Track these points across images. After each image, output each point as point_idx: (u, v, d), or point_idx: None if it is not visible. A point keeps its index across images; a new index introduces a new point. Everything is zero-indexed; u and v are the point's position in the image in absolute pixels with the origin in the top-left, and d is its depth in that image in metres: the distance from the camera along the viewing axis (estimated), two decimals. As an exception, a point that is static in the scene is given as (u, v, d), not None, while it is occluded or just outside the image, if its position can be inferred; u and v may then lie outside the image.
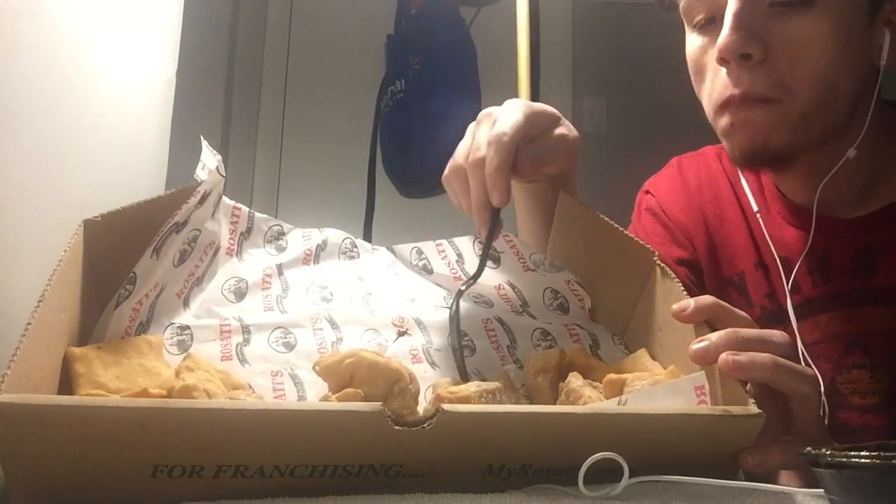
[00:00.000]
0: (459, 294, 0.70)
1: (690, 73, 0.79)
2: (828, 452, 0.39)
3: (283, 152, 2.17)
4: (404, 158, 2.04)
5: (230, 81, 2.07)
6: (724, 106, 0.73)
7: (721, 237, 0.87)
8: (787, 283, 0.78)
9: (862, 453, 0.37)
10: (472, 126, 0.73)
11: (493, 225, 0.69)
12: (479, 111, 0.74)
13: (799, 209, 0.81)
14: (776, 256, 0.80)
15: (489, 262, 0.74)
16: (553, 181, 0.78)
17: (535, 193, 0.82)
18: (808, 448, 0.41)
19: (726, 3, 0.71)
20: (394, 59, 2.10)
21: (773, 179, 0.84)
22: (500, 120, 0.68)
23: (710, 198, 0.90)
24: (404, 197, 2.11)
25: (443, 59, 2.02)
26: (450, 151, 0.73)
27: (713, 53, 0.72)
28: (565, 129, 0.73)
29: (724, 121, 0.74)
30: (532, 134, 0.69)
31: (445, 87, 1.99)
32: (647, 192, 0.97)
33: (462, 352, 0.65)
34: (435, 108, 1.98)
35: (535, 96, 1.61)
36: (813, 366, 0.71)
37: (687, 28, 0.79)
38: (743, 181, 0.87)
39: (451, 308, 0.69)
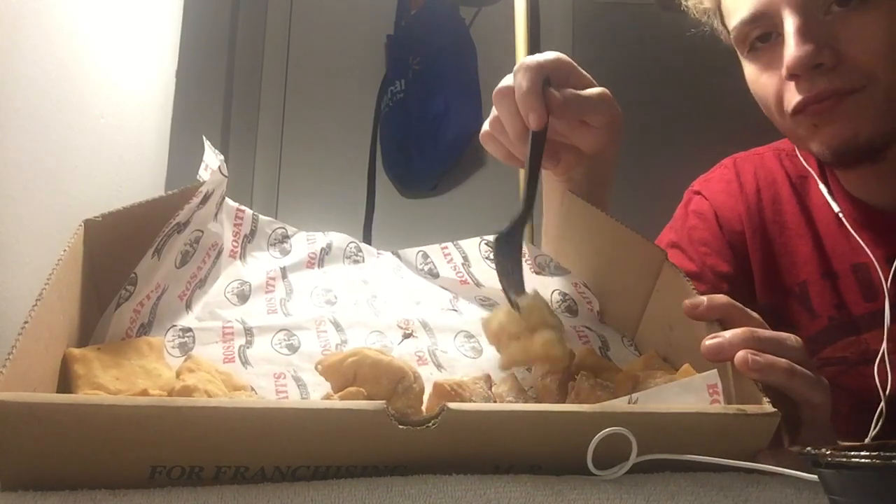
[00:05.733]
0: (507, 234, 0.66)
1: (755, 95, 0.77)
2: (828, 452, 0.38)
3: (283, 152, 2.16)
4: (404, 158, 2.04)
5: (230, 81, 2.06)
6: (800, 109, 0.71)
7: (780, 245, 0.84)
8: (887, 283, 0.74)
9: (862, 453, 0.37)
10: None
11: (537, 149, 0.66)
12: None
13: (878, 212, 0.78)
14: (851, 264, 0.77)
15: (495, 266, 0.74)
16: (589, 173, 0.76)
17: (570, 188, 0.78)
18: (808, 448, 0.40)
19: (782, 20, 0.70)
20: (394, 59, 2.09)
21: (846, 185, 0.81)
22: (522, 59, 0.68)
23: (768, 202, 0.86)
24: (404, 197, 2.10)
25: (443, 60, 2.02)
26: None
27: (777, 70, 0.71)
28: (610, 99, 0.70)
29: (804, 123, 0.73)
30: (566, 73, 0.68)
31: (445, 87, 1.99)
32: (698, 192, 0.92)
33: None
34: (435, 109, 1.98)
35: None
36: (889, 372, 0.69)
37: (741, 55, 0.77)
38: (821, 185, 0.83)
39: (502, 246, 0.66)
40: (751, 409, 0.49)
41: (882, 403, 0.67)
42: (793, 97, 0.71)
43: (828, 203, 0.82)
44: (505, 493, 0.44)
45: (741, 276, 0.85)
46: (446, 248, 0.77)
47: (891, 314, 0.73)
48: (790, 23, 0.69)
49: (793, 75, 0.70)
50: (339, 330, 0.67)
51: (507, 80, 0.68)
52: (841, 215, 0.80)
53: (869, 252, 0.77)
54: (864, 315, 0.78)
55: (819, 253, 0.82)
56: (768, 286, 0.84)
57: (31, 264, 0.67)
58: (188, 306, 0.67)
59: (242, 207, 0.76)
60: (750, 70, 0.77)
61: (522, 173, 1.27)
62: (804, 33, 0.68)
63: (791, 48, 0.69)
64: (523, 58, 0.67)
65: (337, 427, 0.45)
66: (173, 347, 0.62)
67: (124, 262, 0.59)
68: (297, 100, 2.17)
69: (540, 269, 0.73)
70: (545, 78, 0.66)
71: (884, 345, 0.71)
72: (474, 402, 0.52)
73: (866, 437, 0.65)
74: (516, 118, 0.66)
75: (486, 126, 0.72)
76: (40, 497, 0.42)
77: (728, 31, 0.79)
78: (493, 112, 0.70)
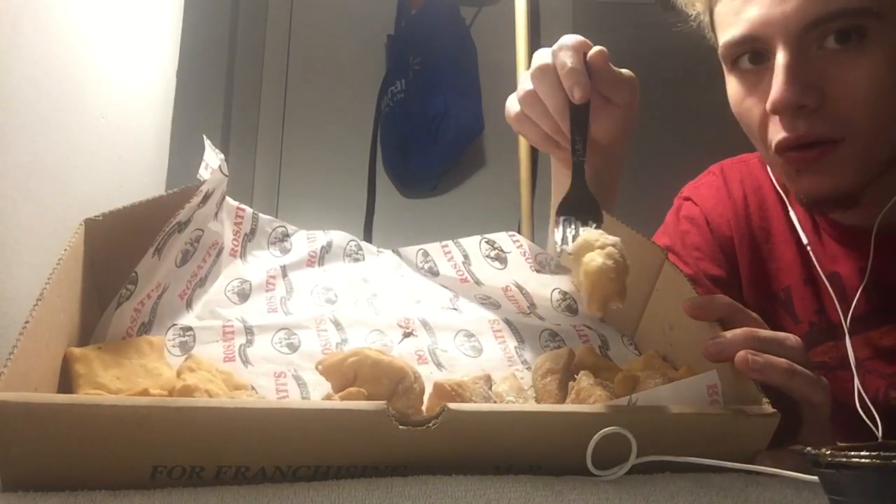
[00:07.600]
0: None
1: (737, 115, 0.76)
2: (828, 452, 0.38)
3: (283, 152, 2.16)
4: (404, 158, 2.04)
5: (230, 81, 2.06)
6: (784, 149, 0.70)
7: (767, 251, 0.85)
8: (855, 296, 0.75)
9: (862, 453, 0.37)
10: (523, 73, 0.72)
11: (582, 118, 0.68)
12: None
13: (850, 229, 0.79)
14: (827, 272, 0.78)
15: (496, 264, 0.74)
16: (599, 171, 0.75)
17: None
18: (808, 448, 0.40)
19: (774, 44, 0.68)
20: (394, 59, 2.09)
21: None
22: (560, 40, 0.68)
23: (755, 209, 0.87)
24: (404, 197, 2.10)
25: (443, 60, 2.02)
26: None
27: (760, 96, 0.71)
28: (634, 77, 0.73)
29: (786, 165, 0.72)
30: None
31: (445, 87, 1.99)
32: (688, 198, 0.92)
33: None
34: (435, 109, 1.98)
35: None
36: (858, 380, 0.70)
37: (726, 69, 0.76)
38: (791, 212, 0.83)
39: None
40: (750, 409, 0.49)
41: (873, 409, 0.68)
42: (776, 133, 0.71)
43: (810, 216, 0.83)
44: (505, 493, 0.44)
45: (732, 280, 0.86)
46: (446, 246, 0.77)
47: (862, 323, 0.75)
48: (781, 57, 0.68)
49: (776, 112, 0.69)
50: (340, 329, 0.67)
51: (544, 59, 0.69)
52: (804, 239, 0.81)
53: (843, 262, 0.78)
54: (841, 321, 0.78)
55: (802, 259, 0.82)
56: (755, 291, 0.85)
57: (31, 264, 0.67)
58: (189, 305, 0.67)
59: (243, 206, 0.76)
60: (734, 87, 0.76)
61: (522, 173, 1.27)
62: (793, 71, 0.67)
63: (778, 85, 0.67)
64: (559, 41, 0.68)
65: (337, 427, 0.45)
66: (174, 346, 0.62)
67: (124, 262, 0.59)
68: (297, 100, 2.17)
69: (540, 268, 0.73)
70: (584, 55, 0.68)
71: (850, 351, 0.73)
72: (474, 402, 0.52)
73: (846, 440, 0.65)
74: (559, 93, 0.67)
75: (514, 106, 0.72)
76: (40, 497, 0.42)
77: (716, 38, 0.78)
78: (523, 88, 0.70)
